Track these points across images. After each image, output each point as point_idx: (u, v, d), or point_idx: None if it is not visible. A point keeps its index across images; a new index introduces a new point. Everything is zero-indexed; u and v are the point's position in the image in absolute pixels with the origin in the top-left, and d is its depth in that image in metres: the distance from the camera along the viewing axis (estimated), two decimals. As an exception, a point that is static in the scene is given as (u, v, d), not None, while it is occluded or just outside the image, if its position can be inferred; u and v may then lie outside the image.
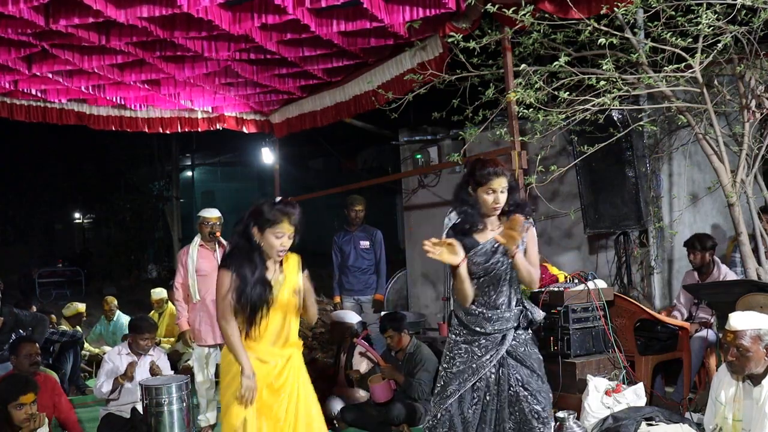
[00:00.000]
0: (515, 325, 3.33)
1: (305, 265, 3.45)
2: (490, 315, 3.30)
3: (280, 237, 3.24)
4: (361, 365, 5.63)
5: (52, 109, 7.00)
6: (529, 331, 3.42)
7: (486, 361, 3.28)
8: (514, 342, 3.30)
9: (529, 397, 3.25)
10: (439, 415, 3.33)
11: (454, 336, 3.40)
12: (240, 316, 3.26)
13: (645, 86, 4.95)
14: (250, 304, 3.21)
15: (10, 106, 6.78)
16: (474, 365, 3.29)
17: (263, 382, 3.27)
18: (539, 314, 3.42)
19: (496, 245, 3.26)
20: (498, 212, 3.31)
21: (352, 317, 5.91)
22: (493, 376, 3.29)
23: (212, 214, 5.55)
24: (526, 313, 3.36)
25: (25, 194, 24.32)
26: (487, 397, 3.29)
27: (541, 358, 3.41)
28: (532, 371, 3.29)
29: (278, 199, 3.40)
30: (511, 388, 3.27)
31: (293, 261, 3.40)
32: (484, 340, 3.30)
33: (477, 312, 3.31)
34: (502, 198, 3.28)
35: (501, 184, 3.26)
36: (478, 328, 3.31)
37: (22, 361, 4.99)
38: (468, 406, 3.29)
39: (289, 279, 3.34)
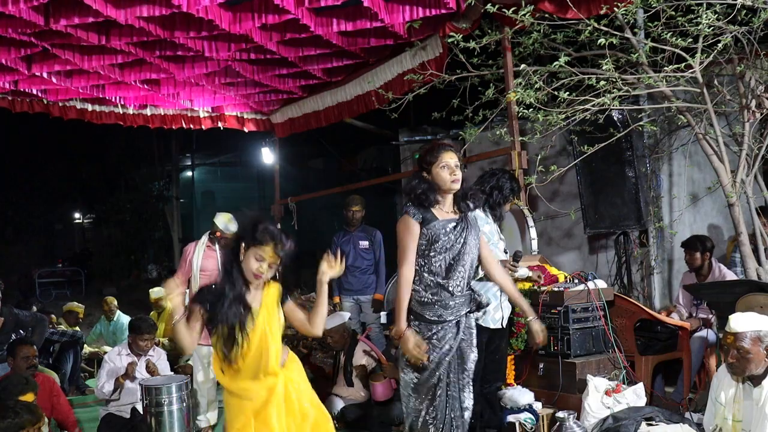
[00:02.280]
0: (467, 310, 3.44)
1: (287, 294, 3.18)
2: (445, 301, 3.37)
3: (260, 261, 2.98)
4: (363, 363, 5.62)
5: (54, 104, 7.00)
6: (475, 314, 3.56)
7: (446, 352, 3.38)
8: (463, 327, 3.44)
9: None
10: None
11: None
12: (216, 339, 3.02)
13: (645, 86, 4.95)
14: (227, 323, 2.97)
15: (11, 101, 6.78)
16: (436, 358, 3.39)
17: (249, 415, 3.04)
18: (486, 298, 3.57)
19: (453, 225, 3.37)
20: (457, 187, 3.37)
21: (342, 317, 5.87)
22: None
23: (231, 229, 5.30)
24: (475, 296, 3.48)
25: (25, 194, 24.31)
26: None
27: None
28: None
29: (278, 225, 3.33)
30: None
31: (273, 291, 3.10)
32: (442, 331, 3.38)
33: (432, 300, 3.37)
34: (459, 173, 3.36)
35: (452, 157, 3.38)
36: (434, 317, 3.37)
37: (19, 364, 4.99)
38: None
39: (265, 309, 3.05)
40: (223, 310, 2.97)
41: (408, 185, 3.49)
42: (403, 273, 3.36)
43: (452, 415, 3.42)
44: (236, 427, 3.06)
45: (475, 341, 3.52)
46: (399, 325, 3.33)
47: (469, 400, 3.50)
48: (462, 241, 3.38)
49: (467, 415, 3.50)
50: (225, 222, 5.39)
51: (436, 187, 3.38)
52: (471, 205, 3.47)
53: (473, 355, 3.51)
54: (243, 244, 3.02)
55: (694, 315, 5.40)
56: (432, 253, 3.37)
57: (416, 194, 3.39)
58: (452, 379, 3.43)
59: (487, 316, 4.25)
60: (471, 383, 3.52)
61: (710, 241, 5.46)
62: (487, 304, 3.63)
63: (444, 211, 3.42)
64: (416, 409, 3.49)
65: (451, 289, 3.37)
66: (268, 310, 3.05)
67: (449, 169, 3.35)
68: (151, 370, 5.30)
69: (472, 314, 3.50)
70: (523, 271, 4.57)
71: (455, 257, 3.37)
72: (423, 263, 3.39)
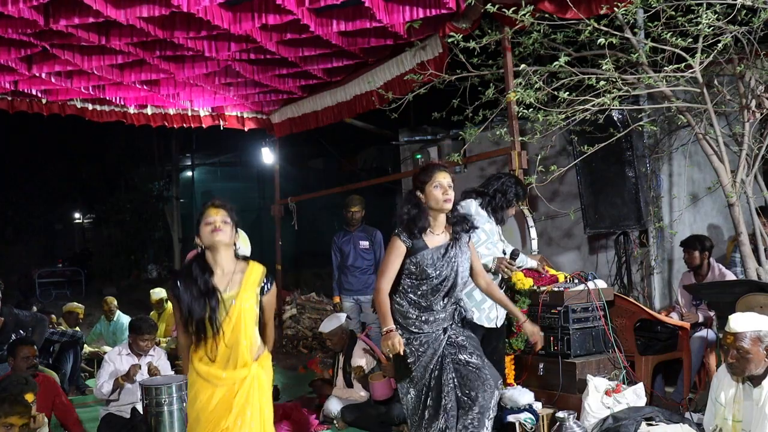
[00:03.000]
0: (450, 323, 3.50)
1: (272, 279, 3.20)
2: (426, 317, 3.45)
3: (211, 222, 3.05)
4: (362, 362, 5.62)
5: (54, 104, 7.00)
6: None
7: (429, 355, 3.44)
8: (452, 332, 3.49)
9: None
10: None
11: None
12: (189, 333, 3.09)
13: (645, 86, 4.95)
14: (195, 321, 3.02)
15: (11, 102, 6.78)
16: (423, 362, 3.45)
17: (221, 407, 3.05)
18: (471, 314, 3.69)
19: (443, 251, 3.43)
20: (449, 207, 3.41)
21: (339, 318, 5.87)
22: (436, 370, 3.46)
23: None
24: (460, 310, 3.56)
25: (25, 194, 24.29)
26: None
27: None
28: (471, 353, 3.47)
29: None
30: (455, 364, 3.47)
31: (255, 272, 3.11)
32: (424, 338, 3.45)
33: (414, 316, 3.45)
34: (451, 193, 3.41)
35: (445, 177, 3.42)
36: (416, 330, 3.46)
37: (19, 364, 4.99)
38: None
39: (244, 292, 3.05)
40: (191, 302, 3.02)
41: (400, 210, 3.53)
42: (380, 285, 3.42)
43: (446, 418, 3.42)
44: (201, 399, 3.07)
45: (470, 346, 3.52)
46: (387, 326, 3.36)
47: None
48: (452, 266, 3.44)
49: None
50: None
51: (428, 207, 3.42)
52: (463, 230, 3.51)
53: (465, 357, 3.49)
54: (197, 237, 3.11)
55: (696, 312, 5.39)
56: (418, 278, 3.44)
57: (407, 222, 3.43)
58: (444, 384, 3.44)
59: (482, 314, 4.26)
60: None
61: (709, 241, 5.46)
62: (471, 318, 3.78)
63: (435, 234, 3.46)
64: (413, 412, 3.56)
65: (435, 308, 3.45)
66: (244, 297, 3.05)
67: (442, 188, 3.39)
68: (153, 373, 5.30)
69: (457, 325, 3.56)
70: (522, 260, 4.58)
71: (443, 281, 3.43)
72: (410, 283, 3.46)
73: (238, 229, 3.23)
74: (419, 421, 3.50)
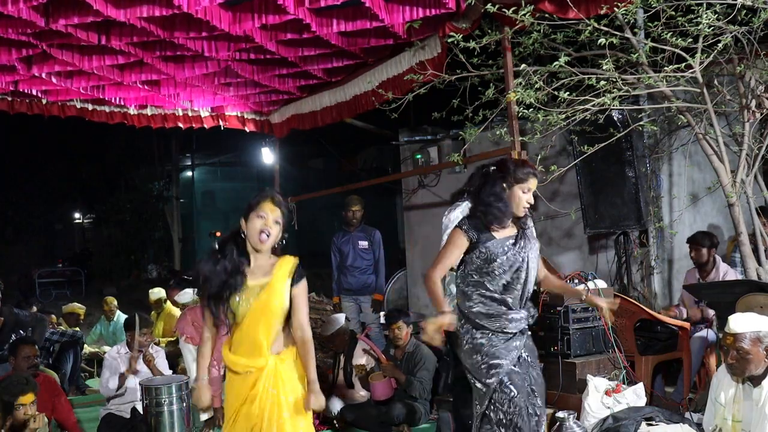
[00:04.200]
0: (526, 326, 3.41)
1: (303, 274, 3.08)
2: (511, 316, 3.33)
3: (264, 217, 2.99)
4: (362, 362, 5.63)
5: (54, 104, 6.99)
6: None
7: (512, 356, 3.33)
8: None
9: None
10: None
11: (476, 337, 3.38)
12: (211, 321, 3.08)
13: (645, 86, 4.95)
14: (211, 296, 3.00)
15: (11, 102, 6.77)
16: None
17: (240, 396, 3.03)
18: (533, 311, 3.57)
19: (512, 242, 3.32)
20: (522, 213, 3.35)
21: (339, 320, 5.88)
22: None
23: None
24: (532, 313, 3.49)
25: (25, 194, 24.31)
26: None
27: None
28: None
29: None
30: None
31: (286, 264, 3.06)
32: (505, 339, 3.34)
33: (498, 312, 3.32)
34: (532, 200, 3.35)
35: (535, 185, 3.36)
36: (498, 330, 3.33)
37: (20, 363, 4.99)
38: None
39: (275, 283, 3.00)
40: (212, 275, 2.99)
41: (483, 192, 3.35)
42: (431, 274, 3.30)
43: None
44: (228, 414, 3.08)
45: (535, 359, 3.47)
46: (442, 309, 3.21)
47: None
48: (523, 257, 3.33)
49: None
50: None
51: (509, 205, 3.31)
52: (528, 223, 3.44)
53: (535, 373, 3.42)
54: (242, 220, 3.05)
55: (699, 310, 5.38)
56: (491, 272, 3.32)
57: (485, 209, 3.29)
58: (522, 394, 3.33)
59: None
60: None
61: (715, 238, 5.50)
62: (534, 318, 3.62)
63: (503, 227, 3.36)
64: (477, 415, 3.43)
65: (510, 304, 3.34)
66: (274, 287, 2.99)
67: (528, 195, 3.32)
68: (148, 359, 5.32)
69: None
70: None
71: (515, 274, 3.32)
72: (480, 280, 3.34)
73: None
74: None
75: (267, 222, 3.00)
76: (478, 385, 3.34)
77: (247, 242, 3.05)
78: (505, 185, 3.33)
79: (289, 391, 3.02)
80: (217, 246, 3.11)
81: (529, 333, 3.49)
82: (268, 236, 3.00)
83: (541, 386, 3.41)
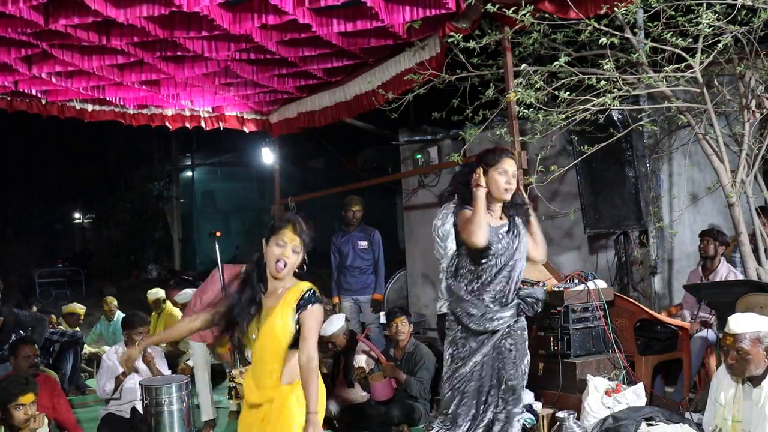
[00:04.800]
0: (514, 319, 3.44)
1: (314, 300, 2.94)
2: (495, 310, 3.36)
3: (282, 246, 2.92)
4: (362, 363, 5.63)
5: (53, 104, 6.99)
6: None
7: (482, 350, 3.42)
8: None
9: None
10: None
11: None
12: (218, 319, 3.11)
13: (645, 86, 4.95)
14: (228, 320, 3.01)
15: (10, 101, 6.78)
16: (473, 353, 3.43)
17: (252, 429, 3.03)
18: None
19: (506, 229, 3.36)
20: (508, 197, 3.36)
21: (339, 321, 5.86)
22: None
23: None
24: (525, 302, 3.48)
25: (25, 194, 24.31)
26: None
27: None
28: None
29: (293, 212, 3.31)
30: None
31: (297, 290, 2.94)
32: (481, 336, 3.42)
33: (483, 305, 3.37)
34: (514, 182, 3.35)
35: (512, 165, 3.37)
36: (478, 327, 3.38)
37: (20, 363, 4.99)
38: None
39: (280, 308, 2.91)
40: (236, 302, 2.99)
41: (460, 178, 3.44)
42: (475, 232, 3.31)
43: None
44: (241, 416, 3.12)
45: (522, 345, 3.52)
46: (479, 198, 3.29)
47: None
48: (515, 245, 3.37)
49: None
50: None
51: (487, 192, 3.35)
52: (518, 214, 3.47)
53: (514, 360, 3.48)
54: (264, 242, 3.00)
55: (695, 315, 5.39)
56: (483, 260, 3.34)
57: (463, 192, 3.38)
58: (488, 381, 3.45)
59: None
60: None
61: (727, 237, 5.53)
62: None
63: (494, 216, 3.40)
64: (448, 401, 3.51)
65: (498, 298, 3.38)
66: (278, 312, 2.92)
67: (506, 176, 3.34)
68: (147, 360, 5.31)
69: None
70: None
71: (507, 262, 3.36)
72: (473, 269, 3.38)
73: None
74: None
75: (285, 252, 2.93)
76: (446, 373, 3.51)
77: (267, 266, 3.01)
78: (480, 171, 3.36)
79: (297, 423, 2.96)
80: (243, 273, 3.08)
81: (524, 325, 3.54)
82: (284, 266, 2.94)
83: (516, 379, 3.47)
